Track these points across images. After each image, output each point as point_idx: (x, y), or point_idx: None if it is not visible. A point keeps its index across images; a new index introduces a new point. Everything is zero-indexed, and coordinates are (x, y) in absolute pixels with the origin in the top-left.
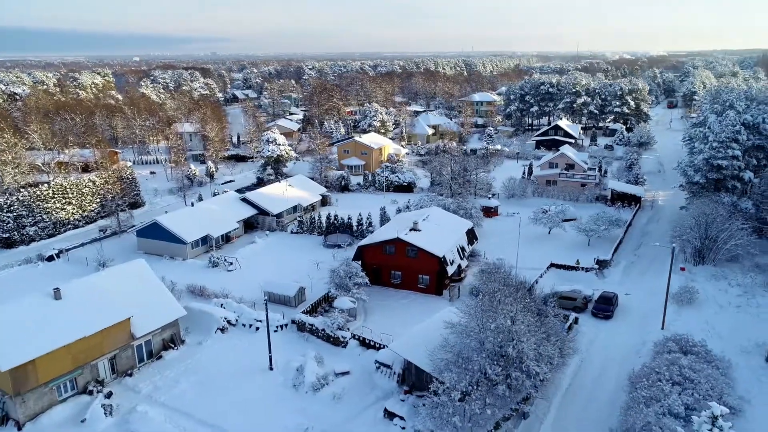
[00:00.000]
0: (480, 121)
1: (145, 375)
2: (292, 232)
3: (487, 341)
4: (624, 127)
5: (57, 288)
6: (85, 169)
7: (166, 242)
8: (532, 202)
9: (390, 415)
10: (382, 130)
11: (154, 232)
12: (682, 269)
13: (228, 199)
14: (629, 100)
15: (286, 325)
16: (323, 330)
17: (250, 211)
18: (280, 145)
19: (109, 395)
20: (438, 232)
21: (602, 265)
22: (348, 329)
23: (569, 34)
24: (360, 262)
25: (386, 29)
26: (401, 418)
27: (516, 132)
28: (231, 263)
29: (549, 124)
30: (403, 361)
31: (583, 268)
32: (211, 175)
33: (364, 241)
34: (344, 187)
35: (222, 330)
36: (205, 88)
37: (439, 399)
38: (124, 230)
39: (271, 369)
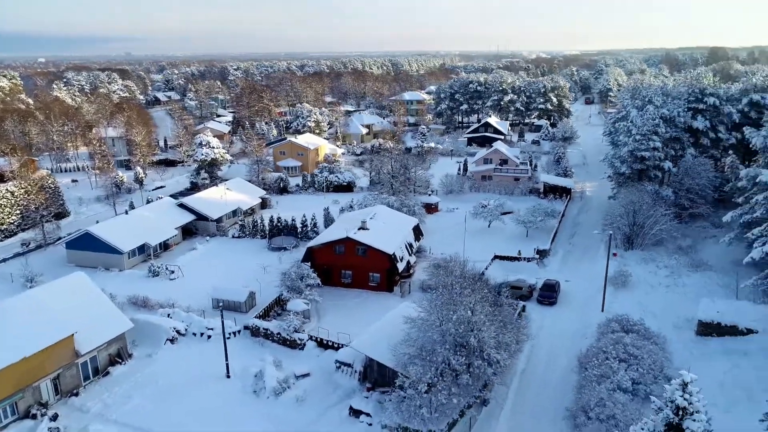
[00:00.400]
0: (411, 119)
1: (93, 393)
2: (233, 237)
3: (449, 333)
4: (548, 123)
5: None
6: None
7: (99, 253)
8: (469, 198)
9: (355, 412)
10: (317, 131)
11: (86, 243)
12: (615, 255)
13: (164, 206)
14: (552, 97)
15: (239, 331)
16: (279, 334)
17: (188, 217)
18: (214, 148)
19: (54, 417)
20: (386, 229)
21: (542, 254)
22: (304, 331)
23: (490, 33)
24: (309, 264)
25: (308, 29)
26: (367, 414)
27: (447, 130)
28: (172, 271)
29: (478, 121)
30: (364, 358)
31: (525, 258)
32: (140, 182)
33: (312, 242)
34: (283, 189)
35: (172, 341)
36: (125, 90)
37: (406, 393)
38: (50, 243)
39: (228, 377)
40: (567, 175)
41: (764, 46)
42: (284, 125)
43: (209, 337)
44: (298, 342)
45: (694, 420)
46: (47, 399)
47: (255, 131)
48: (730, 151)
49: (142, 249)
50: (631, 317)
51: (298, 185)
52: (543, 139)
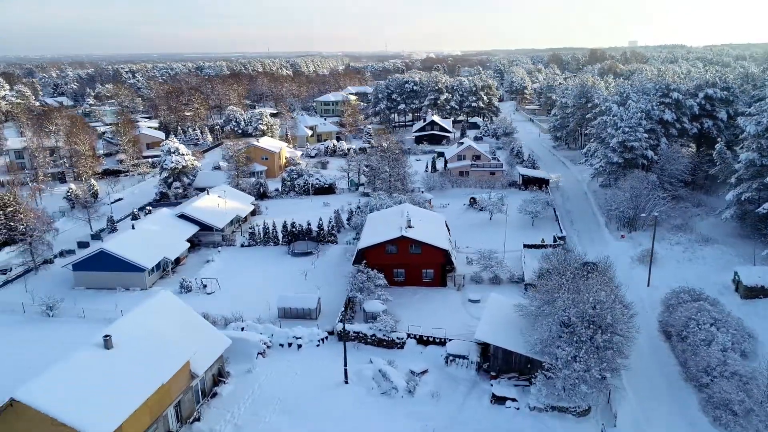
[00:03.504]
0: (344, 120)
1: (213, 416)
2: (242, 246)
3: (585, 314)
4: (482, 120)
5: (108, 335)
6: None
7: (117, 272)
8: (453, 193)
9: (498, 399)
10: (269, 134)
11: (100, 262)
12: (623, 236)
13: (165, 218)
14: (483, 96)
15: (326, 337)
16: (374, 335)
17: (192, 228)
18: (184, 155)
19: None
20: (427, 226)
21: (563, 240)
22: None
23: (375, 34)
24: (360, 265)
25: (181, 29)
26: (513, 399)
27: (386, 129)
28: (205, 285)
29: (414, 120)
30: (478, 349)
31: (551, 245)
32: (94, 195)
33: (362, 244)
34: (263, 194)
35: (262, 354)
36: (18, 96)
37: (556, 374)
38: (41, 264)
39: (347, 382)
40: (535, 167)
41: (640, 47)
42: (219, 129)
43: (299, 346)
44: (397, 341)
45: None
46: (173, 427)
47: (186, 137)
48: (704, 140)
49: (158, 265)
50: (694, 288)
51: (277, 189)
52: (484, 136)
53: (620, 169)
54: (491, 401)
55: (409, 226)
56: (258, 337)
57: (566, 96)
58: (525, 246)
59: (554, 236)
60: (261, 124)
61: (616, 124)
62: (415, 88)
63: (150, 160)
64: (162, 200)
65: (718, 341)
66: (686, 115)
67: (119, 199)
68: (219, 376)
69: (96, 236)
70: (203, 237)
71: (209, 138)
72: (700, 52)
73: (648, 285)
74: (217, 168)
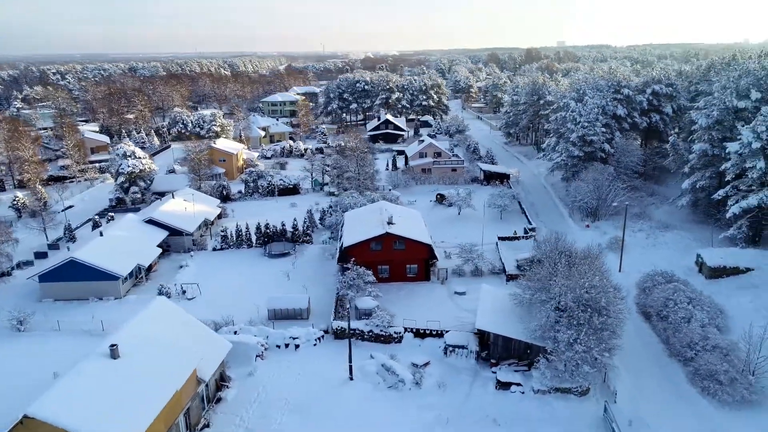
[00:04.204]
0: (295, 121)
1: (222, 422)
2: (214, 249)
3: (582, 298)
4: (433, 118)
5: (114, 345)
6: None
7: (89, 282)
8: (416, 190)
9: (503, 385)
10: (224, 135)
11: (70, 272)
12: (587, 226)
13: (131, 224)
14: (433, 94)
15: (322, 336)
16: (371, 331)
17: (162, 234)
18: (140, 158)
19: None
20: (407, 222)
21: (533, 231)
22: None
23: (311, 34)
24: (348, 263)
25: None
26: (518, 384)
27: (339, 129)
28: (185, 291)
29: (365, 119)
30: (476, 338)
31: (523, 237)
32: (44, 203)
33: (346, 242)
34: (226, 197)
35: (261, 356)
36: None
37: (559, 357)
38: (2, 276)
39: (351, 378)
40: (494, 163)
41: (569, 47)
42: (166, 132)
43: (297, 346)
44: (395, 336)
45: None
46: None
47: (133, 140)
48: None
49: (131, 273)
50: (666, 271)
51: (240, 192)
52: (437, 134)
53: (581, 162)
54: (496, 387)
55: (391, 223)
56: (255, 339)
57: (518, 94)
58: (499, 238)
59: (525, 228)
60: (214, 125)
61: (575, 120)
62: (366, 87)
63: (98, 165)
64: (118, 206)
65: (696, 318)
66: (636, 110)
67: (70, 207)
68: (221, 380)
69: (53, 246)
70: (173, 242)
71: (156, 141)
72: (626, 51)
73: (620, 270)
74: (172, 171)
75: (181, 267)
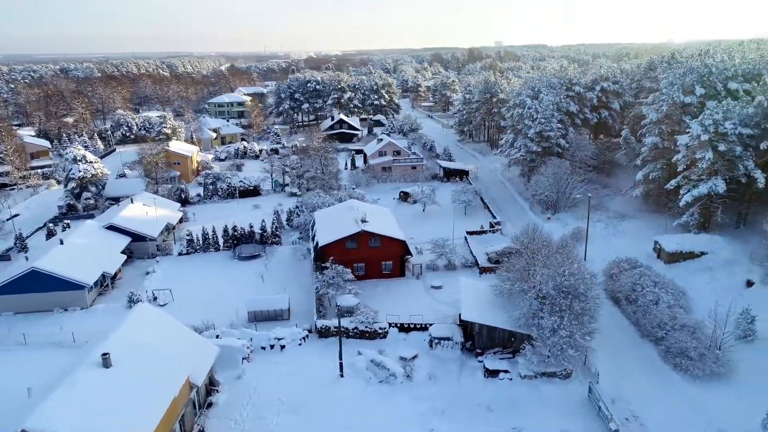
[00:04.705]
0: (245, 122)
1: (217, 427)
2: (180, 254)
3: (562, 285)
4: (385, 117)
5: (106, 354)
6: None
7: (52, 293)
8: (378, 188)
9: (491, 372)
10: (174, 137)
11: (31, 283)
12: (549, 218)
13: (92, 230)
14: (384, 94)
15: (306, 336)
16: (355, 328)
17: (124, 240)
18: (92, 162)
19: None
20: (379, 220)
21: (498, 225)
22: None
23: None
24: (327, 262)
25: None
26: (505, 371)
27: (292, 129)
28: (155, 298)
29: (317, 120)
30: (460, 330)
31: (490, 231)
32: None
33: (322, 241)
34: (185, 200)
35: (247, 359)
36: None
37: (544, 342)
38: None
39: (342, 375)
40: (451, 160)
41: (507, 46)
42: (110, 135)
43: (282, 347)
44: (380, 331)
45: None
46: None
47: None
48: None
49: (96, 282)
50: (630, 257)
51: (199, 195)
52: (391, 132)
53: (539, 157)
54: (485, 375)
55: (365, 221)
56: (240, 342)
57: (471, 92)
58: (468, 233)
59: (490, 222)
60: (165, 127)
61: (532, 116)
62: (317, 87)
63: (40, 171)
64: (70, 213)
65: (663, 300)
66: (587, 106)
67: (16, 215)
68: (210, 385)
69: (4, 257)
70: (136, 248)
71: (100, 145)
72: (562, 51)
73: (585, 259)
74: (122, 176)
75: (147, 273)
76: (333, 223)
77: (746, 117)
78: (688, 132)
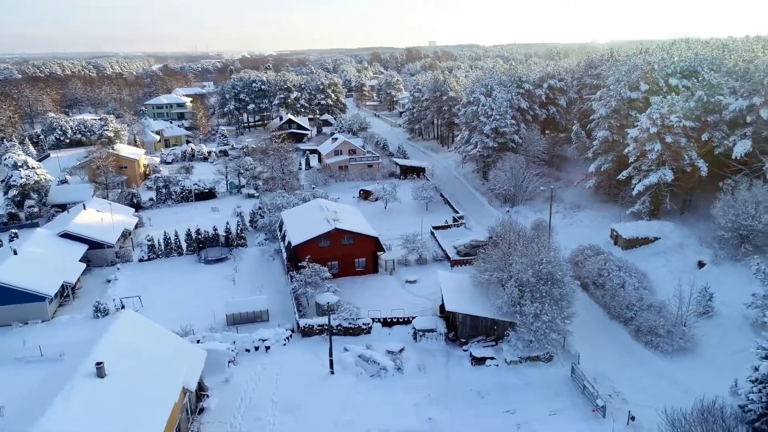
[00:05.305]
0: (186, 123)
1: (213, 431)
2: (141, 260)
3: (542, 272)
4: (333, 117)
5: (100, 363)
6: None
7: (10, 305)
8: (337, 187)
9: (478, 360)
10: (117, 140)
11: None
12: (508, 211)
13: (45, 239)
14: (330, 93)
15: (290, 336)
16: (339, 325)
17: (81, 248)
18: (34, 168)
19: None
20: (349, 218)
21: (462, 219)
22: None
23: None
24: (294, 262)
25: None
26: (491, 358)
27: (238, 130)
28: (123, 306)
29: (263, 120)
30: (443, 321)
31: (454, 225)
32: None
33: (295, 241)
34: (137, 205)
35: (233, 362)
36: None
37: (528, 328)
38: None
39: (332, 372)
40: (406, 157)
41: (442, 46)
42: (43, 140)
43: (267, 348)
44: (364, 327)
45: None
46: None
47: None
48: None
49: (56, 293)
50: (593, 244)
51: (152, 199)
52: (339, 131)
53: (495, 152)
54: (472, 363)
55: (335, 219)
56: (223, 345)
57: (420, 91)
58: (434, 228)
59: (453, 217)
60: (107, 130)
61: (487, 113)
62: (263, 87)
63: None
64: (12, 222)
65: (629, 283)
66: (536, 103)
67: None
68: (200, 390)
69: None
70: (93, 256)
71: (32, 150)
72: (495, 50)
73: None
74: (64, 181)
75: (108, 281)
76: (303, 223)
77: (688, 110)
78: (637, 125)
